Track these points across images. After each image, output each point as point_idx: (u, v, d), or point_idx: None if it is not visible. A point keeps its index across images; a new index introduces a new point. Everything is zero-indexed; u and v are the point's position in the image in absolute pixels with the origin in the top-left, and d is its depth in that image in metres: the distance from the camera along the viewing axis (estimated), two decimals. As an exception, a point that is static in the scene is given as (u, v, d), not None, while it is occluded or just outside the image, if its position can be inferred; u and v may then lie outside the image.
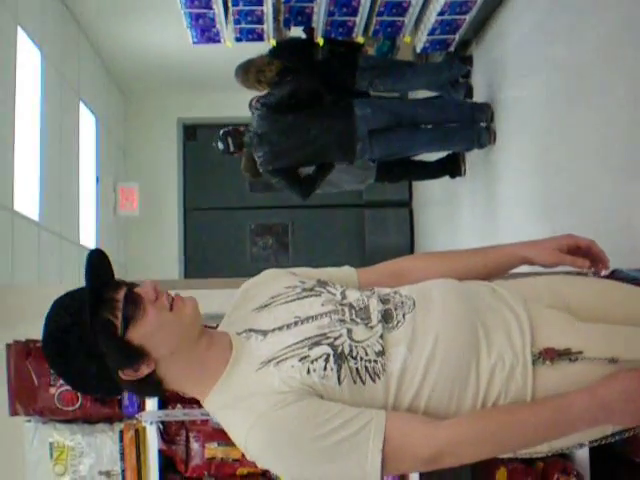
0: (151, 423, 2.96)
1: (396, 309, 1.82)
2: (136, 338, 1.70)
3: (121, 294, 1.72)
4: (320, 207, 9.87)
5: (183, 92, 9.76)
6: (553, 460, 2.81)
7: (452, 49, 6.28)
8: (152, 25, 8.06)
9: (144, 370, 1.73)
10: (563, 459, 2.82)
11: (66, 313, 1.72)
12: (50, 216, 7.04)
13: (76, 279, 7.46)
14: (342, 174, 6.12)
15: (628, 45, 3.65)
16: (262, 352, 1.76)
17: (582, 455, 2.80)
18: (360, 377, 1.71)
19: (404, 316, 1.80)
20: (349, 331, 1.76)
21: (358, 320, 1.79)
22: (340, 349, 1.72)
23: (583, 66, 4.18)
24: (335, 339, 1.74)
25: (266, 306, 1.87)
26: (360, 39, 6.22)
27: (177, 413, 2.99)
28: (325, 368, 1.69)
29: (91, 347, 1.68)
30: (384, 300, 1.85)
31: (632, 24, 3.61)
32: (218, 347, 1.80)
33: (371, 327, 1.78)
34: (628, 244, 3.63)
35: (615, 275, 2.88)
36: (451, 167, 6.62)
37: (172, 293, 1.79)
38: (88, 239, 8.21)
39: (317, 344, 1.73)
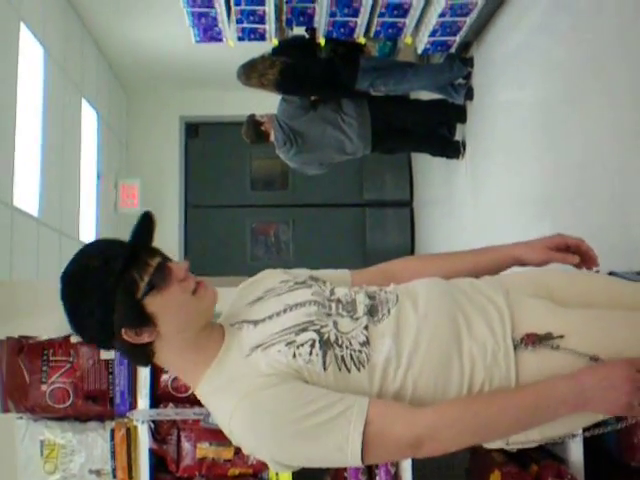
0: (142, 422, 2.95)
1: (381, 304, 1.87)
2: (151, 306, 1.74)
3: (155, 261, 1.77)
4: (321, 206, 9.88)
5: (185, 89, 9.76)
6: (547, 463, 2.81)
7: (453, 51, 6.29)
8: (155, 23, 8.06)
9: (145, 337, 1.76)
10: (557, 462, 2.82)
11: (99, 255, 1.75)
12: (50, 212, 7.04)
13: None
14: (343, 138, 6.18)
15: (628, 47, 3.65)
16: (252, 339, 1.80)
17: (576, 459, 2.79)
18: (345, 365, 1.75)
19: (389, 311, 1.85)
20: (335, 323, 1.81)
21: (344, 313, 1.84)
22: (326, 336, 1.77)
23: (583, 67, 4.18)
24: (322, 327, 1.79)
25: (260, 299, 1.93)
26: (361, 40, 6.22)
27: (169, 412, 2.98)
28: (310, 353, 1.73)
29: (107, 295, 1.70)
30: (371, 296, 1.91)
31: (632, 27, 3.61)
32: (213, 337, 1.85)
33: (356, 319, 1.83)
34: (625, 246, 3.63)
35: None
36: (449, 147, 6.67)
37: (199, 279, 1.83)
38: (88, 235, 8.21)
39: (304, 330, 1.78)
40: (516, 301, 1.89)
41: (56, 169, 7.30)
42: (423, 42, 6.08)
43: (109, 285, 1.70)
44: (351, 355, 1.76)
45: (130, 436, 2.97)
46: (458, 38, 6.05)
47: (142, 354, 1.81)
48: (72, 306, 1.77)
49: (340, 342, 1.77)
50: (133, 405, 2.98)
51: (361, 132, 6.16)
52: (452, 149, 6.65)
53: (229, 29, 6.04)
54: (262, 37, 6.14)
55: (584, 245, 2.10)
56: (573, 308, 1.91)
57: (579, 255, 2.09)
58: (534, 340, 1.79)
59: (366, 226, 9.78)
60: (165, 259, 1.80)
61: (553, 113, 4.65)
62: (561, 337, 1.79)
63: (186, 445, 2.99)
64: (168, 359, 1.84)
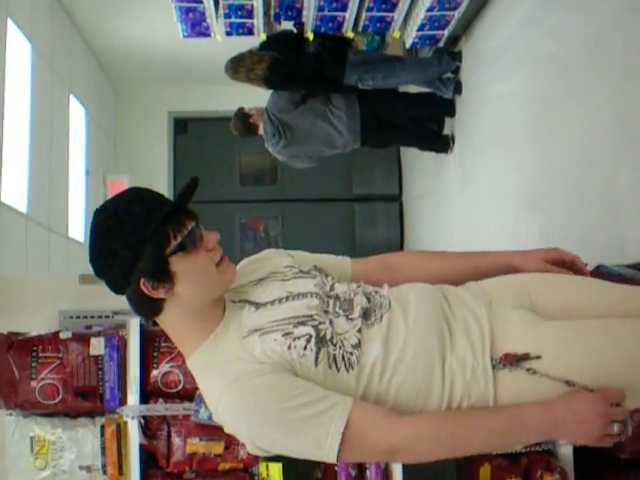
0: (132, 418, 2.96)
1: (375, 308, 1.91)
2: (176, 265, 1.77)
3: (190, 225, 1.81)
4: (310, 201, 9.88)
5: (174, 85, 9.74)
6: (537, 457, 2.82)
7: (441, 45, 6.28)
8: (143, 18, 8.04)
9: (160, 293, 1.78)
10: (547, 455, 2.83)
11: (142, 203, 1.79)
12: (38, 208, 7.01)
13: (64, 271, 7.45)
14: (332, 131, 6.19)
15: (615, 40, 3.66)
16: (251, 322, 1.84)
17: (566, 452, 2.81)
18: (336, 364, 1.79)
19: (381, 316, 1.89)
20: (331, 322, 1.85)
21: (340, 312, 1.88)
22: (323, 333, 1.81)
23: (571, 61, 4.19)
24: (320, 323, 1.83)
25: (263, 279, 1.96)
26: (350, 34, 6.22)
27: (159, 408, 2.99)
28: (305, 348, 1.77)
29: (140, 243, 1.74)
30: (367, 297, 1.94)
31: (619, 20, 3.62)
32: (216, 310, 1.88)
33: (351, 319, 1.87)
34: (613, 239, 3.64)
35: (599, 270, 2.89)
36: (438, 141, 6.68)
37: (224, 254, 1.88)
38: (77, 232, 8.19)
39: (302, 324, 1.81)
40: (498, 315, 1.92)
41: (44, 165, 7.28)
42: (411, 36, 6.08)
43: (144, 234, 1.73)
44: (342, 355, 1.80)
45: (120, 432, 2.97)
46: (446, 32, 6.05)
47: (151, 308, 1.84)
48: (101, 242, 1.79)
49: (335, 341, 1.81)
50: (123, 401, 2.99)
51: (350, 125, 6.16)
52: (441, 143, 6.65)
53: (217, 24, 6.03)
54: (250, 32, 6.13)
55: (579, 262, 2.16)
56: (555, 322, 1.92)
57: (573, 271, 2.13)
58: (511, 361, 1.82)
59: (355, 221, 9.78)
60: (198, 225, 1.85)
61: (541, 107, 4.66)
62: (538, 358, 1.81)
63: (176, 440, 2.99)
64: (172, 321, 1.87)
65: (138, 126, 9.88)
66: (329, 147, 6.34)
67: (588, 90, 3.96)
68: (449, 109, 6.48)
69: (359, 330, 1.84)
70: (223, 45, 6.18)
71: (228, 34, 6.19)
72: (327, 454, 1.71)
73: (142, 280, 1.76)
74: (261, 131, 6.16)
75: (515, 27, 5.19)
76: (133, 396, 2.96)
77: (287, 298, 1.88)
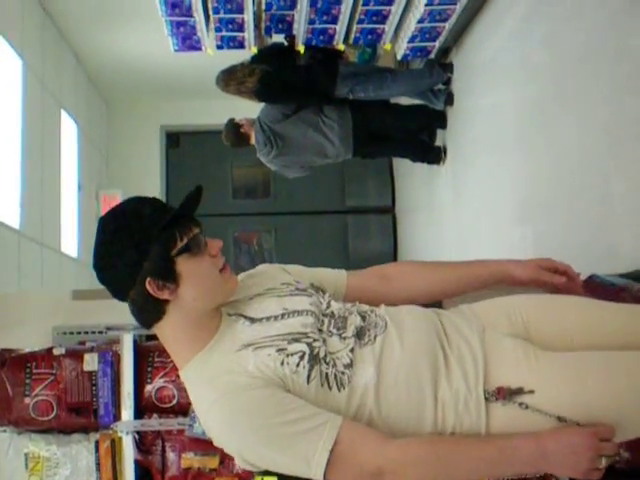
0: (127, 433, 2.95)
1: (369, 328, 1.91)
2: (181, 266, 1.81)
3: (196, 230, 1.86)
4: (303, 214, 9.89)
5: (166, 99, 9.74)
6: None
7: (432, 56, 6.30)
8: (134, 33, 8.05)
9: (165, 294, 1.80)
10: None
11: (150, 206, 1.84)
12: (31, 224, 7.00)
13: (57, 287, 7.43)
14: (323, 141, 6.19)
15: (606, 49, 3.67)
16: (245, 336, 1.84)
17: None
18: (328, 382, 1.79)
19: (375, 337, 1.89)
20: (324, 341, 1.85)
21: (334, 331, 1.89)
22: (316, 351, 1.81)
23: (561, 72, 4.20)
24: (314, 340, 1.83)
25: (259, 295, 1.97)
26: (341, 46, 6.23)
27: (153, 423, 2.98)
28: (298, 365, 1.77)
29: (147, 242, 1.78)
30: (362, 316, 1.95)
31: (610, 28, 3.63)
32: (213, 321, 1.89)
33: (344, 338, 1.87)
34: (607, 249, 3.64)
35: (592, 280, 2.88)
36: (430, 153, 6.68)
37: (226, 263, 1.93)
38: (70, 247, 8.18)
39: (297, 340, 1.81)
40: (491, 343, 1.92)
41: (37, 181, 7.27)
42: (402, 48, 6.09)
43: (152, 232, 1.78)
44: (335, 374, 1.80)
45: (115, 447, 2.97)
46: (437, 44, 6.07)
47: (154, 310, 1.84)
48: (108, 240, 1.82)
49: (327, 360, 1.81)
50: (117, 416, 2.98)
51: (342, 136, 6.17)
52: (433, 155, 6.66)
53: (208, 37, 6.03)
54: (241, 45, 6.14)
55: (571, 271, 2.19)
56: (548, 355, 1.92)
57: (566, 279, 2.17)
58: (504, 395, 1.82)
59: (349, 233, 9.79)
60: (202, 233, 1.89)
61: (533, 117, 4.67)
62: (531, 392, 1.82)
63: (171, 455, 2.99)
64: (171, 327, 1.86)
65: (130, 140, 9.88)
66: (321, 157, 6.35)
67: (580, 99, 3.97)
68: (441, 120, 6.49)
69: (351, 350, 1.85)
70: (214, 59, 6.18)
71: (219, 48, 6.19)
72: (314, 471, 1.70)
73: (148, 279, 1.78)
74: (253, 141, 6.16)
75: (506, 38, 5.21)
76: (127, 411, 2.96)
77: (283, 315, 1.89)
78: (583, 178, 3.93)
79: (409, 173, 8.39)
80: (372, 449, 1.72)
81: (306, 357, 1.78)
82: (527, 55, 4.77)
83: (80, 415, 3.00)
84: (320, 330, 1.87)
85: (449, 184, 6.59)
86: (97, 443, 2.97)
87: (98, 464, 2.96)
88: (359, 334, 1.88)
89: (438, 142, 6.70)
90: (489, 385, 1.84)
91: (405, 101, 6.84)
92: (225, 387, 1.75)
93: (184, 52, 6.27)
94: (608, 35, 3.66)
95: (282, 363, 1.77)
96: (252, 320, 1.88)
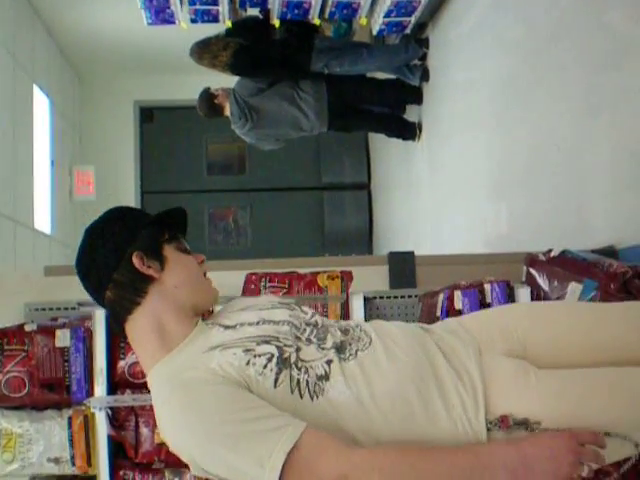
0: (100, 409, 2.94)
1: (351, 342, 1.82)
2: (168, 252, 1.89)
3: (183, 239, 1.97)
4: (279, 190, 9.86)
5: (139, 74, 9.65)
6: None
7: (408, 31, 6.28)
8: (107, 6, 7.94)
9: (151, 270, 1.84)
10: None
11: (140, 210, 2.04)
12: (3, 200, 6.93)
13: (30, 264, 7.37)
14: (298, 114, 6.19)
15: (580, 27, 3.67)
16: (215, 339, 1.79)
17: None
18: (299, 389, 1.70)
19: (357, 352, 1.79)
20: (298, 349, 1.76)
21: (314, 340, 1.81)
22: (286, 355, 1.73)
23: (536, 48, 4.21)
24: (285, 345, 1.75)
25: (241, 310, 1.94)
26: (316, 21, 6.20)
27: (126, 398, 2.97)
28: (265, 366, 1.69)
29: (136, 227, 1.88)
30: (344, 331, 1.87)
31: (584, 7, 3.64)
32: (189, 324, 1.86)
33: (322, 349, 1.79)
34: (580, 225, 3.66)
35: (564, 255, 2.90)
36: (405, 128, 6.70)
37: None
38: (43, 223, 8.11)
39: (266, 342, 1.75)
40: (490, 368, 1.82)
41: (9, 157, 7.19)
42: (378, 23, 6.07)
43: (144, 220, 1.90)
44: (307, 382, 1.70)
45: (88, 423, 2.95)
46: (413, 19, 6.05)
47: (138, 287, 1.83)
48: (101, 225, 1.91)
49: (299, 366, 1.72)
50: (90, 392, 2.96)
51: (317, 109, 6.15)
52: (408, 130, 6.66)
53: (181, 11, 5.99)
54: (215, 19, 6.09)
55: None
56: (548, 375, 1.84)
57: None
58: (508, 425, 1.73)
59: (324, 209, 9.77)
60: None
61: (508, 93, 4.67)
62: (538, 424, 1.73)
63: (144, 431, 2.98)
64: (148, 316, 1.83)
65: (103, 116, 9.77)
66: (296, 130, 6.34)
67: (554, 75, 3.98)
68: (416, 96, 6.48)
69: (328, 362, 1.75)
70: (188, 33, 6.14)
71: (193, 21, 6.15)
72: (268, 474, 1.55)
73: (135, 253, 1.82)
74: (227, 112, 6.13)
75: (482, 13, 5.20)
76: (100, 387, 2.94)
77: (258, 322, 1.84)
78: (557, 154, 3.94)
79: (385, 149, 8.38)
80: (335, 455, 1.59)
81: (274, 359, 1.70)
82: (502, 31, 4.77)
83: (53, 391, 2.98)
84: (298, 338, 1.79)
85: (425, 160, 6.59)
86: (70, 419, 2.95)
87: (71, 440, 2.95)
88: (339, 348, 1.79)
89: (413, 118, 6.70)
90: (490, 414, 1.74)
91: (381, 76, 6.83)
92: (182, 382, 1.67)
93: (157, 25, 6.22)
94: (582, 11, 3.66)
95: (248, 363, 1.68)
96: (226, 327, 1.84)
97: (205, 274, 1.95)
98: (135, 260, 1.82)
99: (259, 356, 1.70)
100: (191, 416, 1.63)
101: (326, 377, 1.72)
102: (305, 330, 1.84)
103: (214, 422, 1.61)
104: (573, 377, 1.85)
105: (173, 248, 1.90)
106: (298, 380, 1.70)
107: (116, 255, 1.83)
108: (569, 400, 1.78)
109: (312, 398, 1.69)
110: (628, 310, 2.11)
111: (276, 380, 1.68)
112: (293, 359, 1.73)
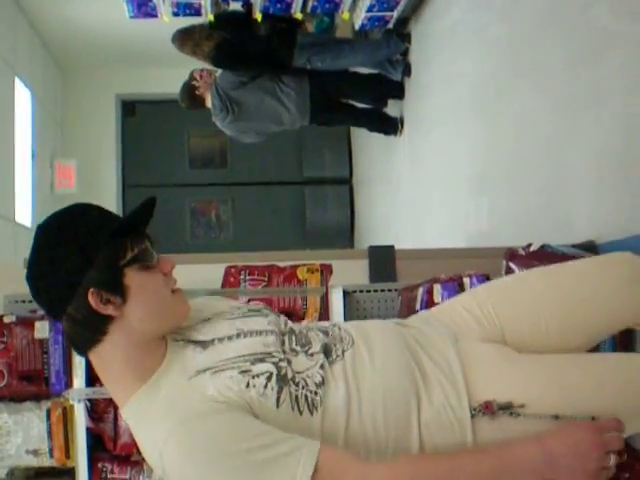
0: (79, 401, 2.93)
1: (335, 342, 1.77)
2: (130, 279, 1.63)
3: (148, 243, 1.69)
4: (260, 184, 9.85)
5: (122, 67, 9.61)
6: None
7: (390, 26, 6.29)
8: (89, -1, 7.93)
9: (109, 309, 1.61)
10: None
11: (98, 209, 1.68)
12: (-16, 193, 6.91)
13: (11, 257, 7.34)
14: (280, 108, 6.19)
15: (562, 22, 3.68)
16: (197, 362, 1.66)
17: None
18: (298, 406, 1.63)
19: (343, 352, 1.75)
20: (289, 361, 1.69)
21: (298, 349, 1.74)
22: (284, 371, 1.65)
23: (519, 43, 4.22)
24: (280, 360, 1.67)
25: (206, 320, 1.78)
26: (299, 15, 6.19)
27: (104, 390, 2.93)
28: (266, 386, 1.61)
29: (94, 247, 1.60)
30: (324, 332, 1.81)
31: (567, 2, 3.65)
32: (159, 349, 1.70)
33: (311, 355, 1.73)
34: (561, 219, 3.67)
35: (544, 250, 2.91)
36: (387, 123, 6.72)
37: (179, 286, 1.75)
38: (24, 216, 8.07)
39: (261, 361, 1.66)
40: (468, 354, 1.80)
41: (-11, 149, 7.16)
42: (360, 17, 6.08)
43: (100, 237, 1.60)
44: (306, 396, 1.64)
45: (66, 415, 2.94)
46: (395, 13, 6.06)
47: (94, 329, 1.64)
48: (49, 244, 1.63)
49: (297, 380, 1.65)
50: (69, 384, 2.95)
51: (299, 103, 6.15)
52: (390, 125, 6.67)
53: (164, 4, 5.97)
54: (197, 12, 6.08)
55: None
56: (529, 358, 1.82)
57: None
58: (493, 410, 1.69)
59: (306, 204, 9.77)
60: (154, 247, 1.72)
61: (490, 89, 4.69)
62: (522, 407, 1.69)
63: (123, 423, 2.96)
64: (112, 352, 1.66)
65: (85, 109, 9.73)
66: (277, 124, 6.34)
67: (536, 70, 3.99)
68: (398, 91, 6.49)
69: (322, 366, 1.70)
70: (170, 26, 6.12)
71: (175, 15, 6.14)
72: None
73: (91, 290, 1.59)
74: (208, 104, 6.11)
75: (464, 9, 5.21)
76: (79, 379, 2.92)
77: (238, 335, 1.71)
78: (539, 149, 3.95)
79: (367, 144, 8.39)
80: (357, 472, 1.55)
81: (274, 378, 1.62)
82: (485, 26, 4.78)
83: (31, 383, 2.96)
84: (283, 351, 1.70)
85: (406, 155, 6.60)
86: (49, 411, 2.94)
87: (50, 432, 2.93)
88: (325, 351, 1.73)
89: (395, 113, 6.71)
90: (473, 400, 1.70)
91: (363, 71, 6.84)
92: (183, 414, 1.55)
93: (140, 19, 6.20)
94: (565, 6, 3.67)
95: (248, 385, 1.59)
96: (204, 345, 1.70)
97: (175, 282, 1.73)
98: (91, 299, 1.59)
99: (257, 376, 1.62)
100: (201, 450, 1.52)
101: (323, 383, 1.67)
102: (284, 341, 1.75)
103: (226, 454, 1.52)
104: (557, 361, 1.82)
105: (136, 270, 1.64)
106: (297, 396, 1.64)
107: (69, 288, 1.60)
108: (553, 382, 1.75)
109: (311, 412, 1.64)
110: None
111: (278, 399, 1.61)
112: (290, 375, 1.65)
